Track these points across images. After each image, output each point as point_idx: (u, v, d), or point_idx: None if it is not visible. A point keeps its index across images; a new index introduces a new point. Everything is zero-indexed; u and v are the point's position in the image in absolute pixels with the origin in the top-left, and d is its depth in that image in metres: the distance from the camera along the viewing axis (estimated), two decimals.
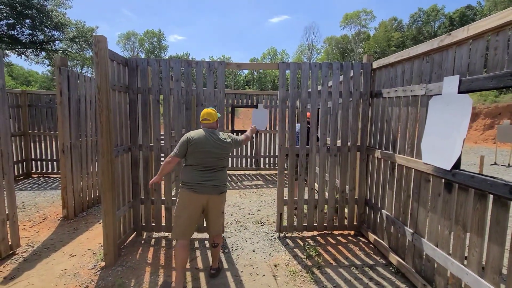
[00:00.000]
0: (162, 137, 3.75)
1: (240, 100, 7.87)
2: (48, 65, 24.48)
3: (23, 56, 20.83)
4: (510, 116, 15.79)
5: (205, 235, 3.76)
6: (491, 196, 1.90)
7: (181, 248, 2.56)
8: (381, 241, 3.34)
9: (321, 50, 53.71)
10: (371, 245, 3.54)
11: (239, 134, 7.97)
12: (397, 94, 3.03)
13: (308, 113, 4.71)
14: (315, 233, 3.90)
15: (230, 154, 2.89)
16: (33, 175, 6.93)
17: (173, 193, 3.73)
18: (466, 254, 2.14)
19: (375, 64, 3.54)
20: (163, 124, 3.65)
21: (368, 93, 3.67)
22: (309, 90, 3.66)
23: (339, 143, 3.80)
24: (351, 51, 46.39)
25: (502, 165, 9.62)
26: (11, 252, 3.21)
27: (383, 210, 3.33)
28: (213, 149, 2.57)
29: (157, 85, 3.51)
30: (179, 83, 3.52)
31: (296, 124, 4.94)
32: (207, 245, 3.52)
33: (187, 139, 2.56)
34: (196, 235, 3.77)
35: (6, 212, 3.14)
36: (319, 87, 3.73)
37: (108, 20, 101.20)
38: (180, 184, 2.64)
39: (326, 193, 3.86)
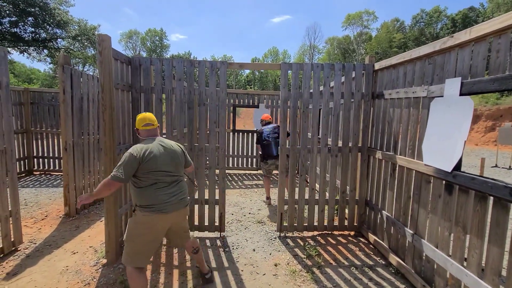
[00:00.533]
0: (164, 136, 3.77)
1: (241, 100, 7.87)
2: (50, 63, 24.52)
3: (25, 53, 20.88)
4: (511, 118, 15.76)
5: (206, 234, 3.78)
6: (491, 198, 1.91)
7: (141, 274, 2.19)
8: (381, 242, 3.35)
9: (322, 51, 53.72)
10: (371, 246, 3.55)
11: (240, 134, 7.99)
12: (399, 96, 3.05)
13: (267, 115, 5.25)
14: (316, 233, 3.91)
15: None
16: (34, 173, 6.96)
17: None
18: (465, 256, 2.15)
19: (377, 66, 3.55)
20: (165, 123, 3.67)
21: (370, 94, 3.68)
22: (311, 90, 3.67)
23: (340, 143, 3.81)
24: (353, 51, 46.34)
25: (503, 168, 9.60)
26: (14, 248, 3.23)
27: (383, 211, 3.34)
28: (170, 160, 2.26)
29: (159, 84, 3.52)
30: (182, 83, 3.54)
31: (264, 128, 4.96)
32: (208, 243, 3.54)
33: (139, 158, 2.09)
34: (197, 233, 3.78)
35: (9, 209, 3.16)
36: (321, 88, 3.74)
37: (109, 18, 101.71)
38: (139, 208, 2.18)
39: (327, 194, 3.87)
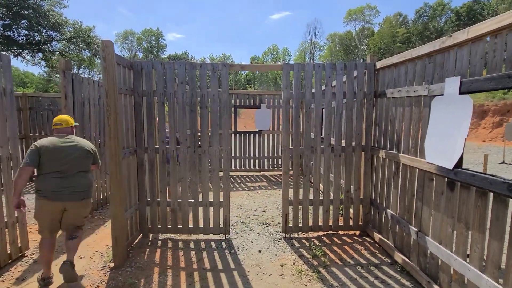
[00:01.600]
0: (167, 139, 3.79)
1: (242, 100, 7.80)
2: (45, 66, 23.71)
3: (19, 57, 20.42)
4: None
5: (211, 236, 3.81)
6: (491, 194, 1.94)
7: (47, 244, 2.61)
8: (386, 240, 3.37)
9: (324, 47, 53.53)
10: (376, 245, 3.57)
11: (242, 135, 7.97)
12: (401, 94, 3.05)
13: None
14: (321, 233, 3.93)
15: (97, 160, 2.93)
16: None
17: (178, 194, 3.77)
18: (468, 251, 2.17)
19: (378, 64, 3.56)
20: (168, 126, 3.69)
21: (372, 93, 3.68)
22: (313, 90, 3.69)
23: (343, 143, 3.82)
24: (355, 47, 46.19)
25: (510, 164, 9.52)
26: (21, 254, 3.27)
27: (388, 210, 3.35)
28: (67, 155, 2.59)
29: (161, 88, 3.55)
30: (183, 85, 3.56)
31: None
32: (214, 246, 3.57)
33: (37, 148, 2.52)
34: (202, 236, 3.82)
35: (16, 215, 3.20)
36: (323, 87, 3.75)
37: (104, 19, 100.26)
38: (35, 191, 2.60)
39: (331, 194, 3.88)
